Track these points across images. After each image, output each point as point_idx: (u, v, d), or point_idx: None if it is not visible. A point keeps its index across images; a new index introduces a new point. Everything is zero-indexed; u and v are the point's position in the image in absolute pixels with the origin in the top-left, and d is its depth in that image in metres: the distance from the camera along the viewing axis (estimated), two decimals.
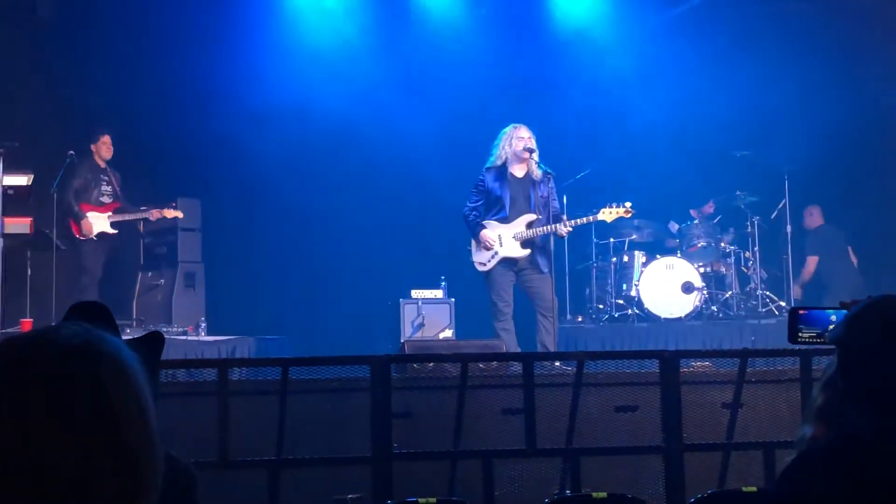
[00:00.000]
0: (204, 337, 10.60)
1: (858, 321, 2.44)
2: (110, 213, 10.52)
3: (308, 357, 6.31)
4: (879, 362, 2.37)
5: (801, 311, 2.82)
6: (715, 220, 12.03)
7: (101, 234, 10.44)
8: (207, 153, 11.75)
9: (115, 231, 10.56)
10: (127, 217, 10.63)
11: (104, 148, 10.61)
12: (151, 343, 2.60)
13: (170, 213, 10.72)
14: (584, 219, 9.37)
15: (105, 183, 10.56)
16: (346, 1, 12.60)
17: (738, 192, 11.77)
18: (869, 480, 2.31)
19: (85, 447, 1.30)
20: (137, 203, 10.83)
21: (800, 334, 2.81)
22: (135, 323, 10.84)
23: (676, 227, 12.05)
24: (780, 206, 11.72)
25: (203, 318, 10.95)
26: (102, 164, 10.64)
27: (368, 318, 11.47)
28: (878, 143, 12.28)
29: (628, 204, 9.36)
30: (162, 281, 11.34)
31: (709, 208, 12.17)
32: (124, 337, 1.91)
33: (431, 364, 6.69)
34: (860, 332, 2.42)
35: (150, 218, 10.66)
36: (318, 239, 12.20)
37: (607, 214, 9.31)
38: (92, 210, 10.41)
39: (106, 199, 10.57)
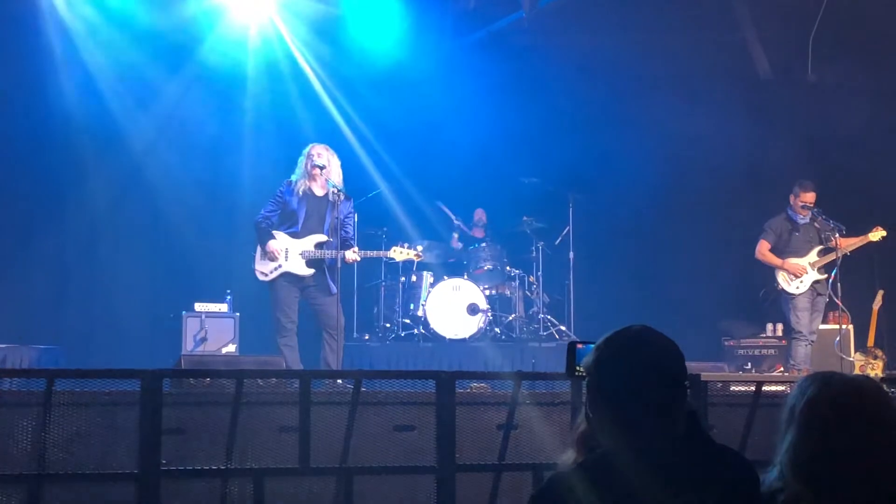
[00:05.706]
0: None
1: (598, 353, 2.57)
2: None
3: (75, 369, 6.04)
4: (614, 388, 2.50)
5: (578, 346, 2.90)
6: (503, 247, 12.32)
7: None
8: None
9: None
10: None
11: None
12: None
13: None
14: (374, 252, 9.68)
15: None
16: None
17: (525, 218, 12.05)
18: (613, 500, 2.41)
19: None
20: None
21: (577, 368, 2.86)
22: None
23: (457, 239, 12.34)
24: (565, 232, 12.05)
25: None
26: None
27: (151, 331, 11.21)
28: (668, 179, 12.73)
29: (420, 248, 9.73)
30: None
31: (479, 219, 12.56)
32: None
33: (209, 379, 6.53)
34: (599, 362, 2.55)
35: None
36: (103, 248, 11.78)
37: (398, 253, 9.51)
38: None
39: None
